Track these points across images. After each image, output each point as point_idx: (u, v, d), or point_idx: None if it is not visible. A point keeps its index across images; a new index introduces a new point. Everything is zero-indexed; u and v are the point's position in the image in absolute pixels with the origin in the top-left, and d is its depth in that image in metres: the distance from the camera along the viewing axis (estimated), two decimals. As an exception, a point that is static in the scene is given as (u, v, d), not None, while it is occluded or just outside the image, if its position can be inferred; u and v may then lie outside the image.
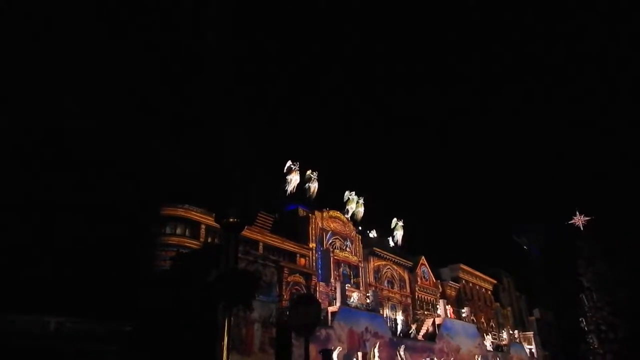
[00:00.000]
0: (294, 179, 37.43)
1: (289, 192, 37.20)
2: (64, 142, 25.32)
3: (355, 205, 41.73)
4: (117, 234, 24.55)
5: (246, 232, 28.46)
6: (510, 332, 49.70)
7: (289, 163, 37.83)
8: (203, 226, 29.02)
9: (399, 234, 46.01)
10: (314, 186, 38.69)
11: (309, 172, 38.82)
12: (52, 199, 23.78)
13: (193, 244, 27.81)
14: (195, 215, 28.89)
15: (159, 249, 26.84)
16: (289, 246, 32.84)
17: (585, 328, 40.31)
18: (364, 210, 42.55)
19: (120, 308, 21.14)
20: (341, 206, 40.48)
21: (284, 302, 27.83)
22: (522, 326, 57.68)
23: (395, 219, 46.75)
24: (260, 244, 30.80)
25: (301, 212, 36.35)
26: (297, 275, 31.34)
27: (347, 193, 41.79)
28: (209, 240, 29.05)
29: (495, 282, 57.84)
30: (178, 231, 28.49)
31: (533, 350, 51.62)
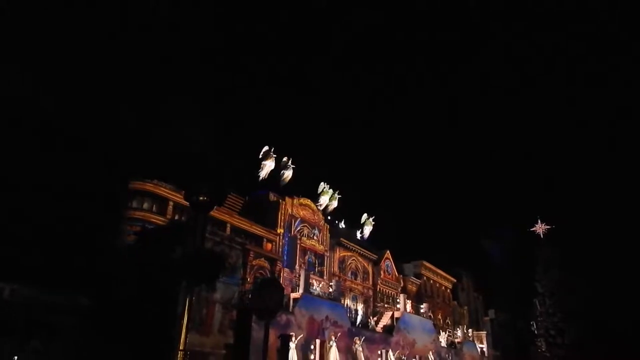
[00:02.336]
0: (268, 165, 37.14)
1: (262, 177, 36.95)
2: (26, 112, 24.38)
3: (329, 198, 41.84)
4: (80, 205, 23.93)
5: (215, 213, 28.22)
6: (465, 330, 51.28)
7: (265, 148, 37.53)
8: (171, 203, 28.60)
9: (367, 229, 46.45)
10: (288, 173, 38.55)
11: (285, 158, 38.63)
12: (14, 169, 22.95)
13: (159, 220, 27.39)
14: (164, 191, 28.42)
15: (124, 223, 26.33)
16: (257, 230, 32.76)
17: (536, 332, 42.11)
18: (337, 203, 42.75)
19: (79, 280, 20.70)
20: (314, 197, 40.47)
21: (247, 285, 27.82)
22: (476, 325, 59.57)
23: (365, 215, 47.14)
24: (228, 225, 30.61)
25: (272, 196, 36.26)
26: (263, 259, 31.34)
27: (322, 184, 41.80)
28: (176, 217, 28.67)
29: (455, 281, 59.42)
30: (145, 206, 27.98)
31: (484, 349, 53.43)
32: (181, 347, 6.01)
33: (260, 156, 37.16)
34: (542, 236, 44.31)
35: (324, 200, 41.09)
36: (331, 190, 42.03)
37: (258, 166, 36.97)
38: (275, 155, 37.59)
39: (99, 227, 24.42)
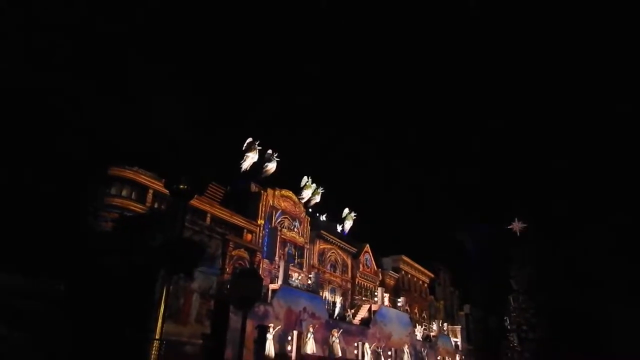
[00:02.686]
0: (251, 157, 36.95)
1: (244, 169, 36.73)
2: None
3: (312, 193, 41.88)
4: (57, 190, 23.43)
5: (195, 202, 28.00)
6: (440, 324, 52.17)
7: (249, 140, 37.27)
8: (151, 191, 28.23)
9: (348, 223, 46.65)
10: (272, 166, 38.31)
11: (269, 150, 38.40)
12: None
13: (139, 208, 27.03)
14: (144, 178, 28.03)
15: (102, 210, 25.90)
16: (237, 220, 32.62)
17: (509, 327, 43.08)
18: (319, 198, 42.87)
19: (54, 266, 20.31)
20: (297, 191, 40.39)
21: (226, 275, 27.74)
22: (451, 320, 60.67)
23: (347, 210, 47.32)
24: (208, 215, 30.40)
25: (253, 187, 36.11)
26: (242, 250, 31.25)
27: (305, 178, 41.77)
28: (156, 206, 28.33)
29: (432, 276, 60.31)
30: (124, 193, 27.55)
31: (459, 343, 54.53)
32: (157, 337, 5.97)
33: (244, 148, 36.93)
34: (518, 234, 45.20)
35: (306, 194, 41.11)
36: (314, 185, 42.05)
37: (241, 158, 36.76)
38: (259, 148, 37.41)
39: (75, 213, 23.97)
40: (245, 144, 36.99)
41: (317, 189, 42.28)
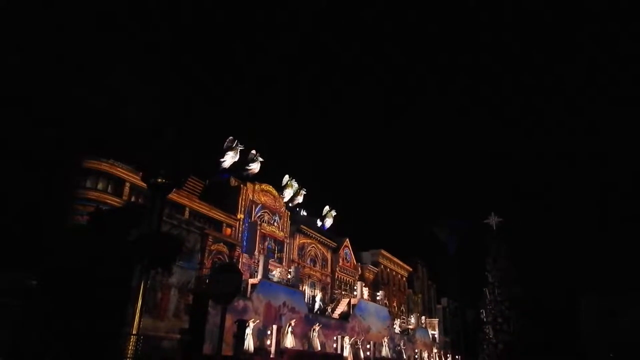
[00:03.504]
0: (231, 156, 36.40)
1: (225, 167, 36.16)
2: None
3: (294, 193, 41.77)
4: (30, 183, 22.78)
5: (173, 196, 27.61)
6: (418, 317, 52.92)
7: (229, 138, 36.80)
8: (127, 184, 27.73)
9: (328, 221, 46.70)
10: (255, 166, 37.68)
11: (253, 151, 37.88)
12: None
13: (115, 201, 26.53)
14: (120, 171, 27.50)
15: (76, 203, 25.32)
16: (216, 214, 32.34)
17: (484, 319, 43.95)
18: (302, 199, 42.90)
19: (27, 260, 19.79)
20: (278, 190, 40.02)
21: (204, 270, 27.49)
22: (429, 313, 61.62)
23: (327, 207, 47.34)
24: (187, 209, 30.04)
25: (233, 181, 35.78)
26: (221, 244, 31.02)
27: (286, 177, 41.55)
28: (133, 199, 27.85)
29: (411, 270, 61.05)
30: (99, 186, 26.99)
31: (436, 335, 55.43)
32: (134, 332, 5.88)
33: (225, 146, 36.45)
34: (494, 228, 46.03)
35: (287, 193, 40.89)
36: (296, 185, 41.95)
37: (221, 154, 36.26)
38: (242, 147, 36.93)
39: (49, 206, 23.37)
40: (225, 143, 36.47)
41: (299, 189, 42.22)
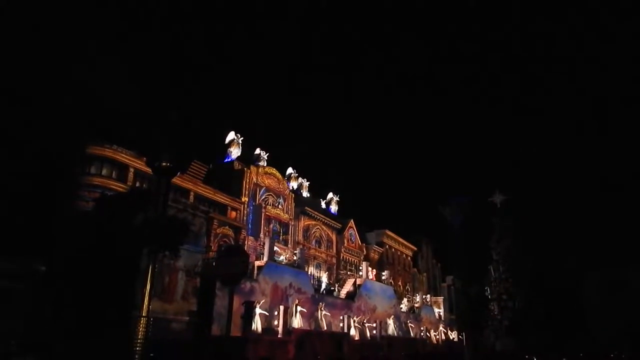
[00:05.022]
0: (234, 152, 36.48)
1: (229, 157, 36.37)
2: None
3: (298, 185, 42.02)
4: (35, 169, 22.83)
5: (178, 180, 27.70)
6: (424, 296, 53.37)
7: (231, 134, 36.73)
8: (132, 169, 27.79)
9: (333, 207, 46.88)
10: (262, 164, 37.68)
11: (258, 149, 37.74)
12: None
13: (120, 187, 26.62)
14: (124, 157, 27.53)
15: (81, 189, 25.42)
16: (221, 198, 32.44)
17: (489, 296, 44.29)
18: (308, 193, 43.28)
19: (35, 246, 19.97)
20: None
21: (211, 253, 27.71)
22: (434, 291, 62.14)
23: (331, 193, 47.46)
24: (192, 193, 30.15)
25: (236, 165, 35.81)
26: (227, 227, 31.20)
27: (289, 170, 41.52)
28: (137, 185, 27.93)
29: (415, 249, 61.35)
30: (104, 172, 27.07)
31: (441, 313, 56.01)
32: (144, 314, 5.95)
33: (226, 142, 36.50)
34: (499, 206, 46.02)
35: (291, 186, 41.14)
36: (301, 179, 42.36)
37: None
38: (242, 139, 36.94)
39: (55, 192, 23.47)
40: (227, 139, 36.51)
41: (303, 179, 42.57)
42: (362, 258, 47.49)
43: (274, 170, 38.30)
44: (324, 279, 37.34)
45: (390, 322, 41.34)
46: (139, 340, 5.74)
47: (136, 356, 5.61)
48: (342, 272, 43.78)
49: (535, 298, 44.15)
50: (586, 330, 64.85)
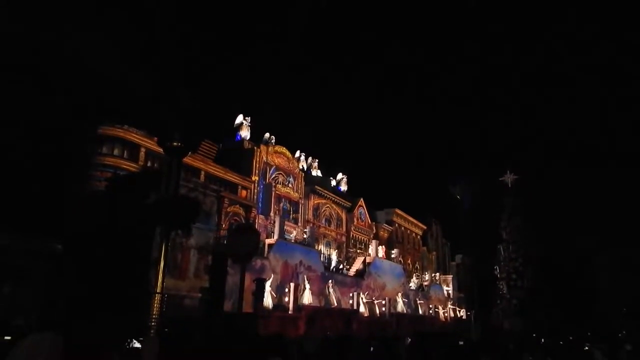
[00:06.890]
0: (243, 135, 36.51)
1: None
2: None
3: (308, 166, 42.12)
4: (48, 150, 23.12)
5: (188, 160, 27.87)
6: (433, 274, 53.69)
7: (240, 117, 36.67)
8: (143, 149, 28.01)
9: (343, 187, 46.97)
10: (270, 149, 37.73)
11: (267, 134, 37.66)
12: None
13: (131, 166, 26.92)
14: (135, 137, 27.73)
15: (94, 169, 25.76)
16: (231, 177, 32.67)
17: (498, 275, 44.48)
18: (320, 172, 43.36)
19: (51, 226, 20.41)
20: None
21: (222, 231, 28.08)
22: (443, 270, 62.43)
23: (340, 174, 47.47)
24: (202, 172, 30.38)
25: (246, 144, 35.91)
26: (237, 206, 31.50)
27: (297, 153, 41.50)
28: (149, 164, 28.20)
29: (425, 228, 61.46)
30: (116, 152, 27.34)
31: (450, 291, 56.40)
32: (158, 290, 6.11)
33: (235, 125, 36.49)
34: (509, 186, 45.79)
35: (301, 166, 41.21)
36: (311, 160, 42.39)
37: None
38: (250, 125, 36.94)
39: (68, 172, 23.81)
40: (236, 122, 36.50)
41: (312, 162, 42.61)
42: (371, 236, 47.75)
43: (283, 149, 38.33)
44: (334, 256, 37.70)
45: (399, 299, 41.80)
46: (154, 316, 5.90)
47: (151, 331, 5.79)
48: (351, 250, 44.12)
49: (544, 278, 44.27)
50: (595, 310, 64.96)
